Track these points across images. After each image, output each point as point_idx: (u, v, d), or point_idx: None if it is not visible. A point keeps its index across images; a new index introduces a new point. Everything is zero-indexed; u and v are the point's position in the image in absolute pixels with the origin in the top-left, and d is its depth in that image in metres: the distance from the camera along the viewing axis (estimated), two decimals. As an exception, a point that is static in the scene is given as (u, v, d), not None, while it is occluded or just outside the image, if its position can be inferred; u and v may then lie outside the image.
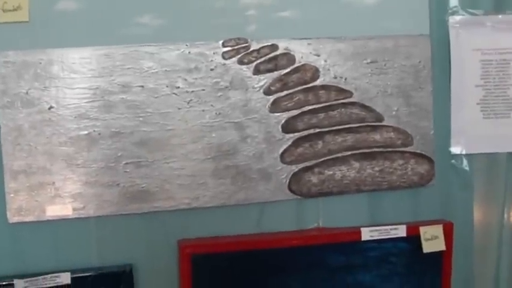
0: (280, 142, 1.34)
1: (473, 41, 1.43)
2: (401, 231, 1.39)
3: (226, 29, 1.30)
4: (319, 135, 1.36)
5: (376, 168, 1.39)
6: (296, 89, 1.34)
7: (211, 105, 1.30)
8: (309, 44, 1.34)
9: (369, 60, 1.37)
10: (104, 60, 1.25)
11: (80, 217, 1.27)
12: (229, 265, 1.33)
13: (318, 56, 1.35)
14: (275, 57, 1.32)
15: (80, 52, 1.24)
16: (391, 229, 1.39)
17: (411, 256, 1.41)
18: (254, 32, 1.31)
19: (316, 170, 1.36)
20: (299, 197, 1.36)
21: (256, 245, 1.34)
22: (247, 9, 1.31)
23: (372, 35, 1.37)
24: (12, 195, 1.24)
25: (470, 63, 1.43)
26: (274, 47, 1.32)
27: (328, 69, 1.35)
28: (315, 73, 1.35)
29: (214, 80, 1.30)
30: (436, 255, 1.41)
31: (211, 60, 1.30)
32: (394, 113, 1.39)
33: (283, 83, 1.33)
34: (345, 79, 1.36)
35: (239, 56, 1.31)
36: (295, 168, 1.35)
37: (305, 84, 1.34)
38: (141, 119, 1.28)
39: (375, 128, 1.39)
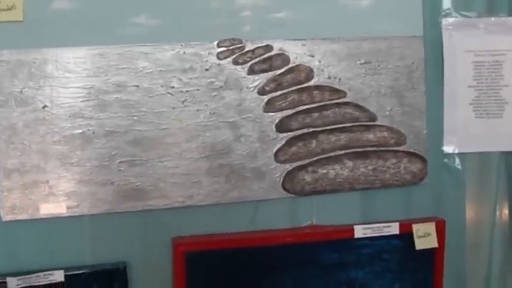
0: (274, 141, 1.34)
1: (466, 43, 1.43)
2: (394, 229, 1.40)
3: (221, 30, 1.29)
4: (313, 135, 1.36)
5: (370, 167, 1.40)
6: (290, 89, 1.34)
7: (206, 105, 1.30)
8: (303, 44, 1.34)
9: (362, 61, 1.37)
10: (98, 59, 1.25)
11: (74, 215, 1.27)
12: (224, 263, 1.33)
13: (312, 56, 1.35)
14: (270, 58, 1.32)
15: (75, 52, 1.24)
16: (384, 227, 1.40)
17: (404, 253, 1.42)
18: (249, 32, 1.31)
19: (309, 168, 1.37)
20: (293, 195, 1.37)
21: (250, 242, 1.34)
22: (242, 10, 1.31)
23: (366, 36, 1.37)
24: (5, 193, 1.23)
25: (463, 64, 1.44)
26: (268, 48, 1.32)
27: (322, 70, 1.35)
28: (309, 73, 1.35)
29: (209, 80, 1.30)
30: (429, 252, 1.42)
31: (206, 61, 1.30)
32: (387, 112, 1.39)
33: (277, 83, 1.33)
34: (339, 79, 1.36)
35: (234, 56, 1.31)
36: (289, 166, 1.35)
37: (299, 84, 1.34)
38: (135, 118, 1.27)
39: (368, 128, 1.39)
